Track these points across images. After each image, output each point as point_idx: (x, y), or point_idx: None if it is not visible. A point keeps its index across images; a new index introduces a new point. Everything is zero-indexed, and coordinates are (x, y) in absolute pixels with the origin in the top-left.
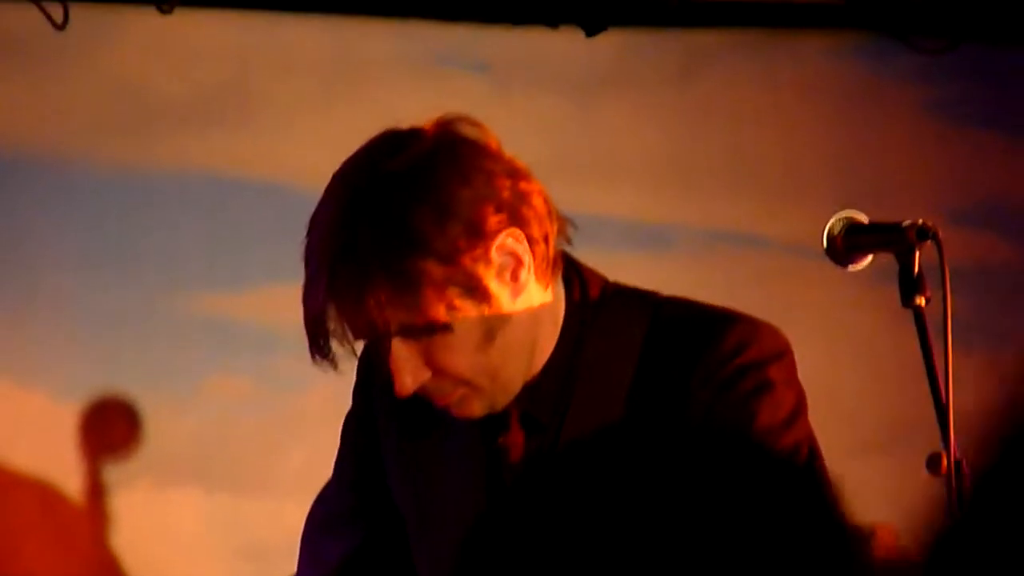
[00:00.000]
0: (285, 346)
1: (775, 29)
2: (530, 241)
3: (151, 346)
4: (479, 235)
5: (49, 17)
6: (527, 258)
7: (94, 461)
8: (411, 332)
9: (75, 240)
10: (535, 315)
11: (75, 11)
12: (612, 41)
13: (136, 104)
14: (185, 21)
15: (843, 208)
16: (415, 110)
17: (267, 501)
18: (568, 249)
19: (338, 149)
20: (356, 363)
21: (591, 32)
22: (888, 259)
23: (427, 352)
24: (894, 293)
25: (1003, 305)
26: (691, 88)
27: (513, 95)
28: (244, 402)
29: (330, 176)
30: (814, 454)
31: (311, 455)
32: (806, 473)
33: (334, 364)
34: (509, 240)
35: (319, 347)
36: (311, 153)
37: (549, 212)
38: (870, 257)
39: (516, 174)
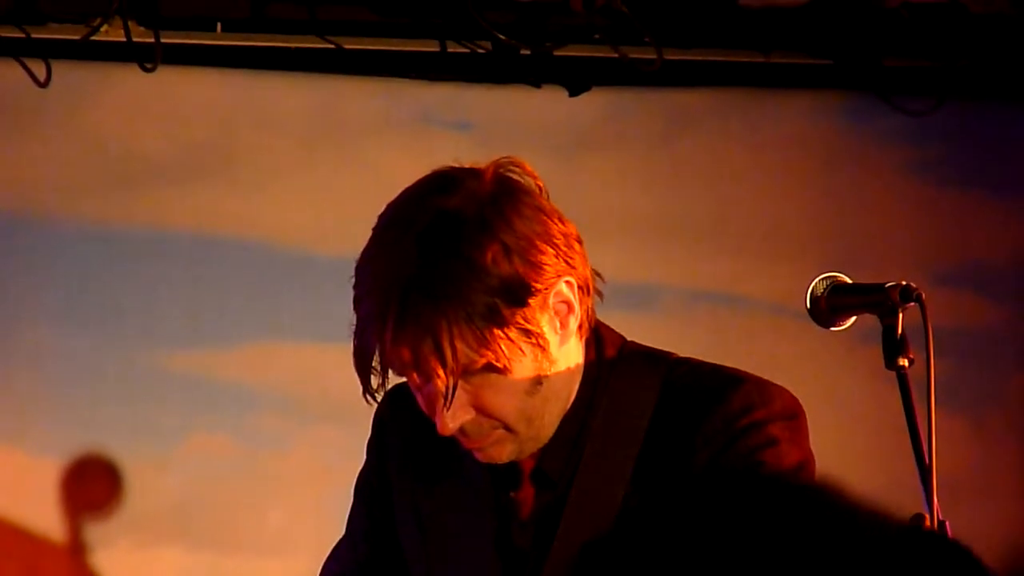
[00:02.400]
0: (266, 404)
1: (758, 89)
2: (579, 289)
3: (132, 404)
4: (541, 278)
5: (32, 74)
6: (576, 306)
7: (75, 519)
8: (471, 370)
9: (56, 297)
10: (574, 367)
11: (58, 69)
12: (595, 101)
13: (118, 161)
14: (168, 79)
15: (826, 268)
16: (398, 168)
17: (248, 559)
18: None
19: (321, 207)
20: (351, 419)
21: (574, 92)
22: (871, 320)
23: (475, 392)
24: (877, 354)
25: (986, 366)
26: (674, 148)
27: (496, 154)
28: (225, 460)
29: (312, 233)
30: None
31: (292, 513)
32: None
33: (375, 399)
34: (564, 286)
35: (374, 386)
36: (294, 211)
37: (586, 259)
38: (853, 318)
39: (562, 218)
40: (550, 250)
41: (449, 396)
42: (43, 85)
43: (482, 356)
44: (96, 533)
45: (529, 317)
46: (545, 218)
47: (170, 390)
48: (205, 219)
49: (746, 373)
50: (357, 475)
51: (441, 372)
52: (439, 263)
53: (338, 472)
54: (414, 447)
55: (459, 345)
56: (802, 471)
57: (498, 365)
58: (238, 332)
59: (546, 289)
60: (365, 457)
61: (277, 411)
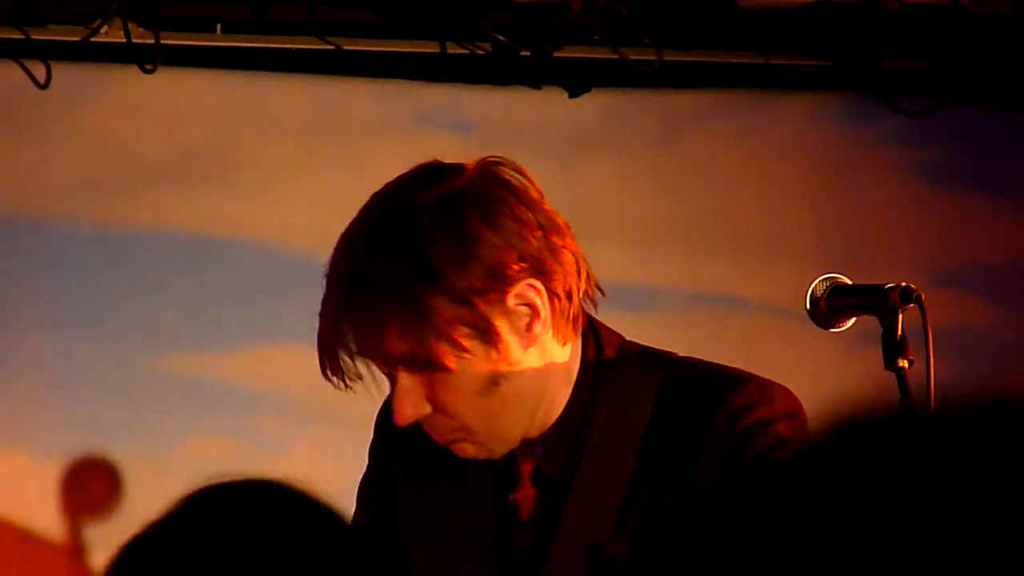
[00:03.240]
0: (266, 407)
1: (758, 90)
2: (551, 295)
3: (131, 406)
4: (497, 279)
5: (32, 76)
6: (544, 311)
7: (74, 521)
8: (413, 364)
9: (54, 300)
10: (546, 370)
11: (58, 70)
12: (595, 102)
13: (117, 163)
14: (168, 80)
15: (825, 270)
16: (397, 170)
17: None
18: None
19: (320, 209)
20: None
21: (574, 93)
22: (871, 321)
23: (429, 387)
24: (877, 355)
25: (986, 367)
26: (674, 149)
27: (495, 155)
28: (224, 463)
29: (311, 235)
30: None
31: None
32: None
33: (343, 382)
34: (528, 291)
35: (326, 364)
36: (292, 213)
37: (579, 271)
38: (853, 319)
39: (551, 228)
40: (513, 253)
41: (400, 387)
42: (43, 86)
43: (422, 350)
44: (96, 535)
45: (480, 317)
46: (520, 221)
47: (170, 392)
48: (204, 221)
49: (747, 372)
50: (360, 479)
51: (382, 365)
52: (387, 254)
53: (338, 474)
54: (415, 450)
55: (397, 338)
56: None
57: (440, 362)
58: (237, 334)
59: (502, 291)
60: (367, 461)
61: (277, 413)
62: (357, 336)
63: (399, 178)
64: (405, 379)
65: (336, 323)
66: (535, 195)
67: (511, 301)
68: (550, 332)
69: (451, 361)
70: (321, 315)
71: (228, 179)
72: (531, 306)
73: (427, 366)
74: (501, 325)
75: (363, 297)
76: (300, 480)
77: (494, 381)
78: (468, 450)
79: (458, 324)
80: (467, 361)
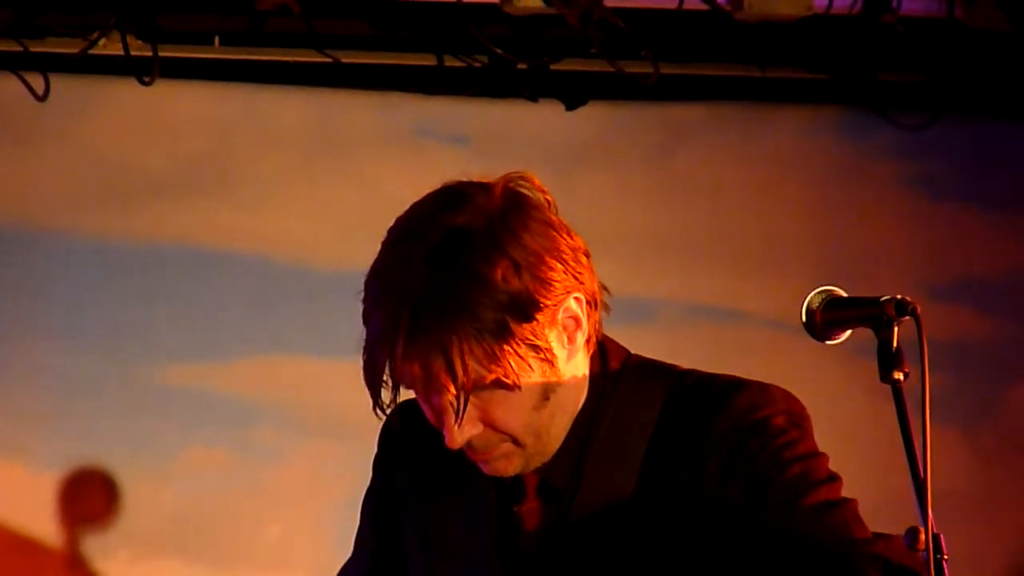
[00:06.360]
0: (264, 418)
1: (755, 103)
2: (587, 303)
3: (130, 417)
4: (550, 294)
5: (30, 88)
6: (584, 321)
7: (73, 532)
8: (480, 386)
9: (53, 311)
10: (582, 381)
11: (56, 82)
12: (592, 115)
13: (115, 175)
14: (166, 93)
15: (822, 282)
16: (395, 181)
17: (246, 572)
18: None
19: (318, 220)
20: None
21: (571, 106)
22: (867, 334)
23: (484, 407)
24: (872, 368)
25: (981, 379)
26: (671, 162)
27: (493, 168)
28: (222, 474)
29: (309, 246)
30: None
31: (288, 527)
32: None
33: (385, 413)
34: (572, 302)
35: (386, 399)
36: (291, 224)
37: (593, 273)
38: (848, 332)
39: (570, 232)
40: (559, 265)
41: (460, 411)
42: (41, 99)
43: (491, 372)
44: (94, 546)
45: (538, 333)
46: (554, 233)
47: (168, 404)
48: (203, 233)
49: (750, 379)
50: (364, 492)
51: (452, 388)
52: (449, 279)
53: (336, 485)
54: (419, 462)
55: (469, 361)
56: (819, 459)
57: (507, 381)
58: (236, 345)
59: (555, 305)
60: (371, 475)
61: (275, 424)
62: (429, 366)
63: (425, 203)
64: (463, 402)
65: (406, 360)
66: (549, 202)
67: (560, 314)
68: (583, 341)
69: (516, 379)
70: (378, 352)
71: (226, 191)
72: (575, 318)
73: (493, 386)
74: (552, 339)
75: (435, 325)
76: (298, 491)
77: (546, 395)
78: (511, 466)
79: (524, 343)
80: (527, 377)
